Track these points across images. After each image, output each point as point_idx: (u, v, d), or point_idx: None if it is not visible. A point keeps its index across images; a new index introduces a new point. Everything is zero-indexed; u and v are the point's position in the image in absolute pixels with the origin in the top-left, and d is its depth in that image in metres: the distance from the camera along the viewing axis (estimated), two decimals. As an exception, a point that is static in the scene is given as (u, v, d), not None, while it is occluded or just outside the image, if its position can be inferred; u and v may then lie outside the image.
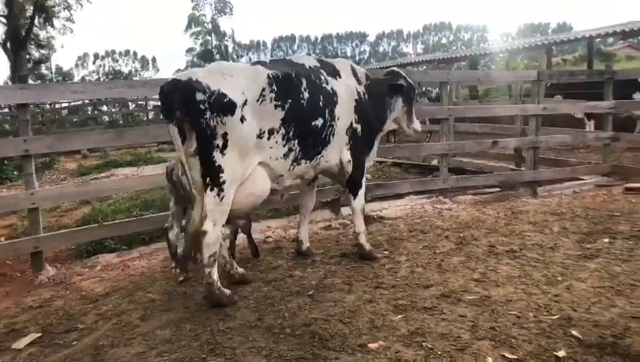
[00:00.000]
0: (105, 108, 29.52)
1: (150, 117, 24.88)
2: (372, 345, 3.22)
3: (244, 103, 3.83)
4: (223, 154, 3.76)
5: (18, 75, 24.08)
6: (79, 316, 4.02)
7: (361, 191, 4.99)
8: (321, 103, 4.36)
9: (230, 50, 57.60)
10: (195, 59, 56.06)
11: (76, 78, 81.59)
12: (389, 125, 5.33)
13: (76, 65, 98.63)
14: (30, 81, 32.12)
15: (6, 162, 12.56)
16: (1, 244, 5.38)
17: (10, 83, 25.51)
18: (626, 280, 4.14)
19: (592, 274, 4.32)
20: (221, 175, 3.77)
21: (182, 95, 3.66)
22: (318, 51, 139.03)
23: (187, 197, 4.12)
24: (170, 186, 4.50)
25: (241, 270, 4.47)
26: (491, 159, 10.79)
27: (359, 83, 4.89)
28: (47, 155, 14.58)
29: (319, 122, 4.35)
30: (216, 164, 3.75)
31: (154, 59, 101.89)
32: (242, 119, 3.81)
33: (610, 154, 8.89)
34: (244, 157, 3.89)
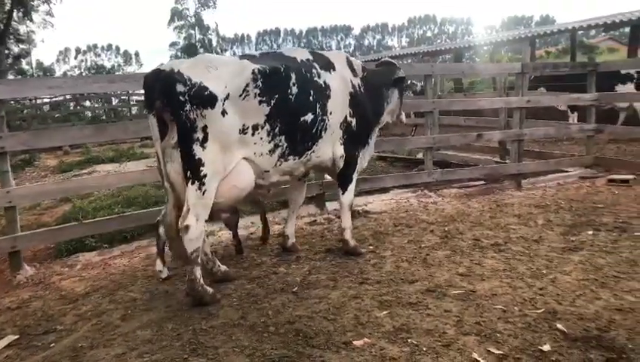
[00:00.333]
0: (88, 103, 29.18)
1: (134, 112, 24.61)
2: (357, 342, 3.18)
3: (226, 97, 3.74)
4: (204, 148, 3.68)
5: (-4, 71, 23.63)
6: (58, 317, 3.93)
7: (351, 187, 4.93)
8: (311, 98, 4.27)
9: (214, 43, 57.30)
10: (178, 53, 55.59)
11: (58, 73, 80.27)
12: (386, 117, 5.26)
13: (57, 60, 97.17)
14: (10, 77, 31.55)
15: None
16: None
17: (-12, 79, 24.98)
18: (610, 273, 4.15)
19: (577, 266, 4.32)
20: (202, 168, 3.69)
21: (163, 86, 3.60)
22: (302, 45, 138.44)
23: None
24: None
25: (223, 267, 4.40)
26: (476, 152, 10.82)
27: (355, 75, 4.80)
28: (26, 152, 14.34)
29: (309, 117, 4.26)
30: (197, 158, 3.67)
31: (137, 54, 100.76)
32: (223, 113, 3.73)
33: (593, 146, 8.94)
34: (226, 152, 3.81)
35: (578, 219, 5.72)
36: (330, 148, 4.58)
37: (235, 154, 3.90)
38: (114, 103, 27.92)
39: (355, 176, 4.95)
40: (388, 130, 7.73)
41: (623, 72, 12.72)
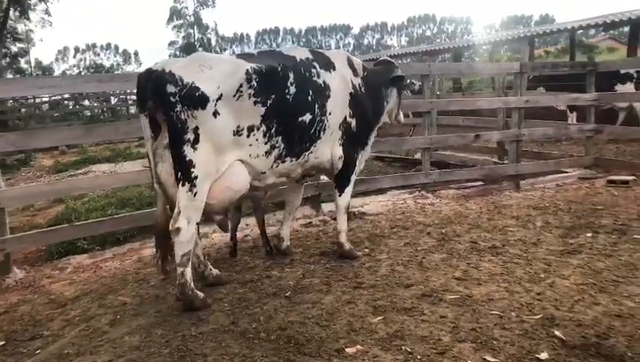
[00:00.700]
0: (87, 102, 29.08)
1: (132, 111, 24.51)
2: (349, 350, 3.10)
3: (219, 98, 3.66)
4: (195, 149, 3.60)
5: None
6: (46, 322, 3.85)
7: (349, 189, 4.85)
8: (310, 98, 4.17)
9: (213, 43, 57.18)
10: (177, 52, 55.49)
11: (57, 72, 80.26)
12: (385, 117, 5.18)
13: (56, 59, 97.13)
14: (9, 76, 31.46)
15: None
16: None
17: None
18: (609, 277, 4.07)
19: (575, 270, 4.24)
20: (192, 170, 3.61)
21: (154, 86, 3.54)
22: (302, 44, 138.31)
23: None
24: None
25: (215, 271, 4.31)
26: (474, 152, 10.74)
27: (356, 75, 4.70)
28: (22, 152, 14.28)
29: (307, 118, 4.16)
30: (187, 159, 3.60)
31: (136, 53, 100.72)
32: (215, 114, 3.64)
33: (592, 146, 8.86)
34: (219, 153, 3.73)
35: (577, 221, 5.65)
36: (329, 149, 4.50)
37: (229, 156, 3.81)
38: (112, 102, 27.79)
39: (353, 178, 4.86)
40: (386, 130, 7.68)
41: (622, 71, 12.66)
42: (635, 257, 4.45)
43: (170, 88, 3.50)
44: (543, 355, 2.94)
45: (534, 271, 4.26)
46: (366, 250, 4.98)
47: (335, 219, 4.99)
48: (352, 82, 4.62)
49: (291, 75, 4.06)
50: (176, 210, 3.68)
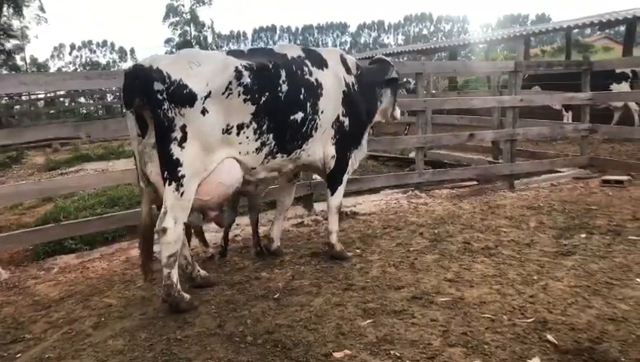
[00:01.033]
0: (82, 99, 28.91)
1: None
2: (337, 354, 3.03)
3: (208, 95, 3.58)
4: (182, 148, 3.52)
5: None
6: (29, 324, 3.76)
7: (341, 189, 4.76)
8: (301, 96, 4.10)
9: (210, 40, 56.98)
10: (174, 50, 55.28)
11: (52, 69, 79.95)
12: (378, 117, 5.13)
13: (52, 56, 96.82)
14: (4, 72, 31.25)
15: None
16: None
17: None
18: (603, 279, 4.01)
19: (569, 272, 4.18)
20: (179, 169, 3.53)
21: (141, 83, 3.45)
22: (298, 42, 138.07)
23: None
24: None
25: (203, 272, 4.23)
26: (469, 151, 10.69)
27: (349, 73, 4.62)
28: (16, 149, 14.18)
29: (299, 116, 4.09)
30: (174, 157, 3.52)
31: (132, 50, 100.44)
32: (204, 112, 3.57)
33: (587, 146, 8.81)
34: (207, 152, 3.66)
35: (571, 222, 5.59)
36: (321, 147, 4.43)
37: (218, 154, 3.74)
38: (109, 100, 27.63)
39: (345, 178, 4.78)
40: (380, 129, 7.60)
41: (618, 70, 12.62)
42: (630, 259, 4.40)
43: (158, 85, 3.42)
44: (535, 360, 2.88)
45: (527, 272, 4.20)
46: (357, 251, 4.91)
47: (327, 218, 4.91)
48: (345, 80, 4.54)
49: (282, 73, 3.99)
50: (162, 210, 3.60)
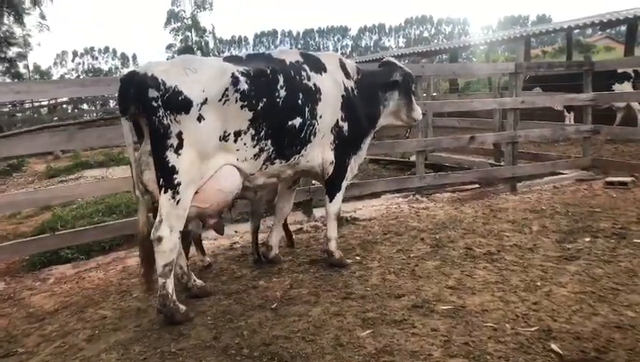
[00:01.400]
0: (85, 106, 28.91)
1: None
2: (335, 367, 2.95)
3: (204, 102, 3.52)
4: (178, 155, 3.47)
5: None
6: (22, 337, 3.69)
7: (339, 195, 4.68)
8: (299, 101, 4.04)
9: (211, 45, 57.01)
10: (175, 55, 55.32)
11: (55, 77, 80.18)
12: (385, 121, 5.01)
13: (55, 64, 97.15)
14: (7, 80, 31.28)
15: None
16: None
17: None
18: (608, 284, 3.92)
19: (573, 277, 4.09)
20: (175, 176, 3.48)
21: (136, 90, 3.42)
22: (300, 46, 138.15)
23: None
24: None
25: (199, 282, 4.15)
26: (471, 154, 10.59)
27: (348, 78, 4.55)
28: (17, 157, 14.09)
29: (297, 121, 4.03)
30: (170, 165, 3.46)
31: (134, 57, 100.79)
32: (200, 118, 3.51)
33: (590, 147, 8.71)
34: (204, 159, 3.60)
35: (575, 225, 5.49)
36: (320, 153, 4.36)
37: (215, 161, 3.68)
38: (111, 106, 27.63)
39: (344, 184, 4.69)
40: (389, 133, 7.48)
41: (619, 70, 12.51)
42: (635, 263, 4.30)
43: (152, 93, 3.38)
44: (539, 371, 2.79)
45: (530, 278, 4.11)
46: (357, 258, 4.83)
47: (326, 225, 4.82)
48: (344, 85, 4.47)
49: (280, 79, 3.94)
50: (157, 218, 3.54)
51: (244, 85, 3.70)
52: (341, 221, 5.80)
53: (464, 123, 10.97)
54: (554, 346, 3.04)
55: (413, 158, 9.87)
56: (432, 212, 6.43)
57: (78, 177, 11.07)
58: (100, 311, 4.01)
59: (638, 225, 5.33)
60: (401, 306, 3.70)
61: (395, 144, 7.39)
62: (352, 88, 4.55)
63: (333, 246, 4.64)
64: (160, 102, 3.39)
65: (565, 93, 9.45)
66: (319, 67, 4.33)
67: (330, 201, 4.66)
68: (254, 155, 3.87)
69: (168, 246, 3.51)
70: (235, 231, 5.86)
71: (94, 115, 27.05)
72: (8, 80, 31.83)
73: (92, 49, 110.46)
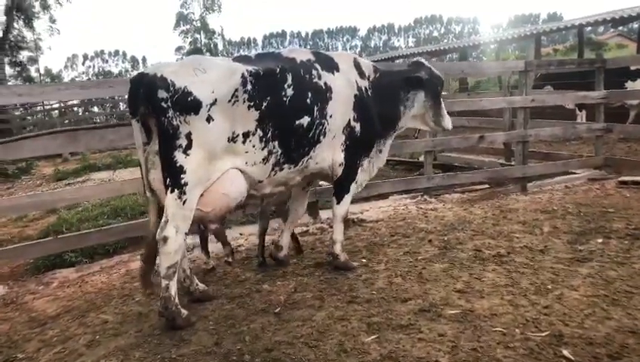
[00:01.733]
0: (96, 109, 29.06)
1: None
2: (338, 374, 2.86)
3: (213, 103, 3.47)
4: (187, 155, 3.43)
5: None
6: (22, 343, 3.64)
7: (347, 198, 4.57)
8: (308, 100, 3.96)
9: (220, 47, 57.16)
10: (184, 58, 55.44)
11: (66, 80, 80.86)
12: (407, 123, 4.87)
13: (65, 67, 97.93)
14: (19, 83, 31.54)
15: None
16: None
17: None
18: (622, 287, 3.80)
19: (585, 280, 3.97)
20: (182, 176, 3.43)
21: (145, 91, 3.39)
22: (309, 47, 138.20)
23: None
24: None
25: (201, 286, 4.08)
26: (481, 153, 10.47)
27: (362, 77, 4.44)
28: (25, 159, 14.16)
29: (305, 120, 3.95)
30: (178, 165, 3.41)
31: (144, 59, 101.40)
32: (209, 119, 3.47)
33: (602, 146, 8.54)
34: (212, 160, 3.55)
35: (587, 226, 5.36)
36: (330, 154, 4.26)
37: (222, 163, 3.62)
38: (121, 108, 27.74)
39: (353, 187, 4.58)
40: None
41: (632, 68, 12.30)
42: (650, 265, 4.17)
43: (162, 93, 3.35)
44: (550, 379, 2.69)
45: (541, 281, 3.99)
46: (363, 260, 4.73)
47: (332, 227, 4.73)
48: (357, 84, 4.37)
49: (289, 77, 3.86)
50: (163, 219, 3.48)
51: (254, 85, 3.65)
52: (348, 223, 5.72)
53: (473, 122, 10.83)
54: (565, 352, 2.93)
55: (422, 158, 9.76)
56: (440, 213, 6.33)
57: (85, 180, 11.09)
58: (102, 316, 3.96)
59: (652, 226, 5.19)
60: (407, 310, 3.61)
61: (403, 144, 7.28)
62: (366, 88, 4.44)
63: (338, 249, 4.55)
64: (169, 103, 3.36)
65: (576, 91, 9.28)
66: (331, 66, 4.25)
67: (338, 203, 4.56)
68: (263, 159, 3.80)
69: (173, 247, 3.45)
70: (240, 234, 5.79)
71: (104, 117, 27.27)
72: (19, 83, 32.10)
73: (102, 52, 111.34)
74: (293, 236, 4.99)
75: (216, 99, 3.48)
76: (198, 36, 57.00)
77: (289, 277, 4.45)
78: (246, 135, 3.67)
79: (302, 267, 4.69)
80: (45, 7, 28.37)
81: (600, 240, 4.87)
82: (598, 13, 18.92)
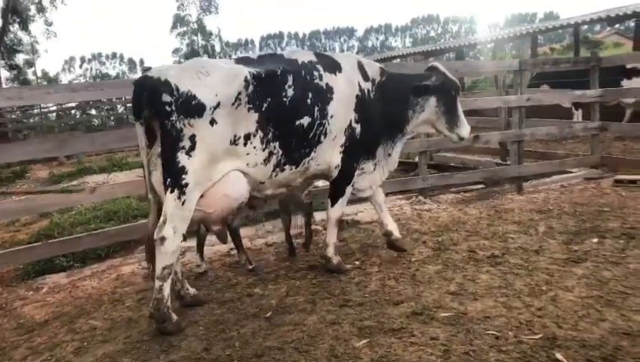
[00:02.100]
0: (94, 111, 29.02)
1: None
2: (328, 380, 2.81)
3: (217, 106, 3.46)
4: (189, 156, 3.43)
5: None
6: (10, 350, 3.60)
7: (343, 200, 4.53)
8: (309, 100, 3.94)
9: (218, 49, 57.10)
10: (181, 59, 55.41)
11: (64, 82, 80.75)
12: (418, 127, 4.83)
13: (63, 70, 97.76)
14: (15, 86, 31.47)
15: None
16: None
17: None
18: (617, 288, 3.75)
19: (580, 281, 3.93)
20: (183, 176, 3.41)
21: (149, 95, 3.38)
22: (306, 48, 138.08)
23: None
24: None
25: (192, 290, 4.04)
26: (476, 153, 10.42)
27: (366, 79, 4.41)
28: (22, 163, 14.08)
29: (306, 121, 3.93)
30: (180, 165, 3.41)
31: (142, 61, 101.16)
32: (212, 122, 3.47)
33: (598, 144, 8.50)
34: (214, 163, 3.54)
35: (582, 225, 5.32)
36: (330, 155, 4.23)
37: (224, 165, 3.62)
38: (119, 111, 27.71)
39: (349, 189, 4.54)
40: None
41: (628, 66, 12.25)
42: (645, 265, 4.13)
43: (166, 97, 3.35)
44: (543, 383, 2.64)
45: (535, 282, 3.95)
46: (356, 263, 4.69)
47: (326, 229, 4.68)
48: (359, 85, 4.34)
49: (290, 78, 3.86)
50: (162, 218, 3.46)
51: (256, 86, 3.64)
52: (342, 224, 5.67)
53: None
54: (558, 355, 2.89)
55: (417, 159, 9.71)
56: (435, 214, 6.28)
57: (80, 183, 11.01)
58: (91, 322, 3.91)
59: (648, 225, 5.15)
60: (399, 313, 3.57)
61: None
62: (369, 90, 4.41)
63: (331, 251, 4.50)
64: (174, 107, 3.36)
65: (572, 90, 9.23)
66: (334, 67, 4.23)
67: (332, 205, 4.52)
68: (264, 160, 3.79)
69: (171, 248, 3.43)
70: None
71: (101, 120, 27.24)
72: (16, 86, 32.01)
73: (99, 55, 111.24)
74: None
75: (219, 103, 3.48)
76: (195, 38, 56.94)
77: (281, 280, 4.41)
78: (247, 137, 3.67)
79: (294, 270, 4.64)
80: (41, 9, 28.27)
81: (595, 240, 4.83)
82: (594, 11, 18.90)
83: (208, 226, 4.37)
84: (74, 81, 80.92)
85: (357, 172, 4.54)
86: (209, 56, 50.60)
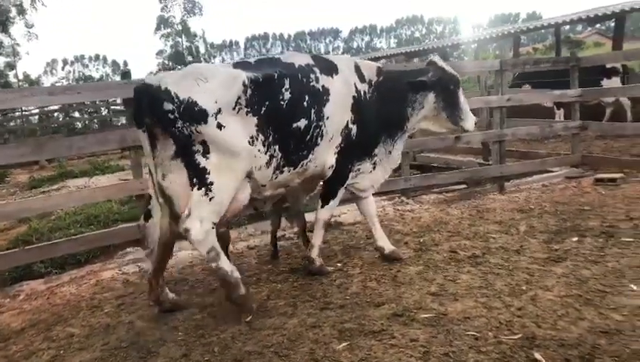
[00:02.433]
0: (77, 114, 28.68)
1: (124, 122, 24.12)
2: (307, 384, 2.79)
3: (218, 112, 3.47)
4: (207, 158, 3.49)
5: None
6: (-16, 360, 3.52)
7: (333, 203, 4.54)
8: (305, 103, 3.94)
9: (202, 50, 56.80)
10: (165, 61, 55.05)
11: (46, 85, 79.78)
12: (419, 124, 4.81)
13: (45, 72, 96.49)
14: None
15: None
16: None
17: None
18: (596, 286, 3.78)
19: (559, 280, 3.95)
20: (207, 176, 3.48)
21: (150, 103, 3.39)
22: (291, 49, 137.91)
23: None
24: None
25: (171, 295, 3.99)
26: (459, 153, 10.47)
27: (362, 80, 4.42)
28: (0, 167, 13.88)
29: (303, 123, 3.93)
30: (201, 166, 3.47)
31: (125, 63, 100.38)
32: (220, 126, 3.47)
33: (579, 143, 8.59)
34: (234, 164, 3.59)
35: (563, 224, 5.36)
36: (327, 156, 4.23)
37: (242, 164, 3.65)
38: (104, 113, 27.45)
39: (341, 191, 4.54)
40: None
41: (608, 66, 12.41)
42: (623, 263, 4.17)
43: (167, 106, 3.36)
44: (521, 384, 2.64)
45: (515, 282, 3.96)
46: (338, 265, 4.68)
47: (311, 231, 4.65)
48: (356, 87, 4.35)
49: (287, 82, 3.86)
50: (185, 212, 3.46)
51: (253, 91, 3.65)
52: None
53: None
54: (537, 355, 2.90)
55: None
56: (417, 214, 6.29)
57: (60, 187, 10.86)
58: (68, 329, 3.85)
59: (626, 223, 5.20)
60: (380, 315, 3.56)
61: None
62: (365, 91, 4.42)
63: (315, 253, 4.48)
64: (177, 115, 3.37)
65: (551, 90, 9.32)
66: (330, 69, 4.23)
67: (322, 206, 4.51)
68: (266, 163, 3.80)
69: (199, 235, 3.47)
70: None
71: (85, 122, 26.92)
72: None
73: (82, 57, 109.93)
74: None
75: (220, 109, 3.49)
76: (179, 39, 56.61)
77: (263, 284, 4.38)
78: (250, 141, 3.67)
79: (276, 273, 4.61)
80: (21, 11, 27.91)
81: (575, 239, 4.86)
82: (575, 12, 19.11)
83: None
84: (56, 84, 79.99)
85: (352, 173, 4.55)
86: (193, 57, 50.39)
